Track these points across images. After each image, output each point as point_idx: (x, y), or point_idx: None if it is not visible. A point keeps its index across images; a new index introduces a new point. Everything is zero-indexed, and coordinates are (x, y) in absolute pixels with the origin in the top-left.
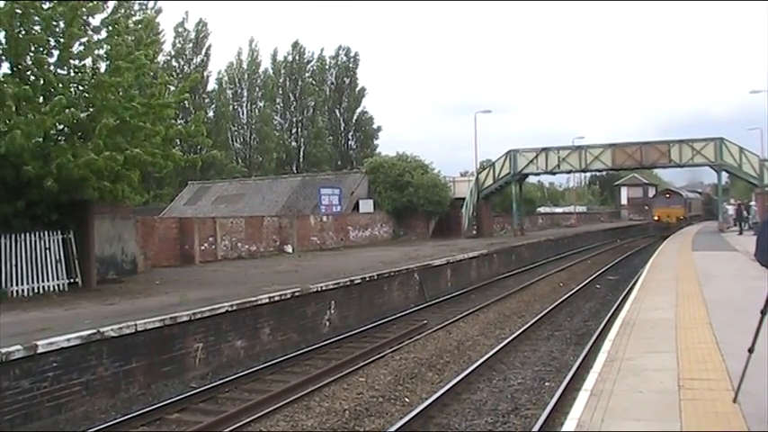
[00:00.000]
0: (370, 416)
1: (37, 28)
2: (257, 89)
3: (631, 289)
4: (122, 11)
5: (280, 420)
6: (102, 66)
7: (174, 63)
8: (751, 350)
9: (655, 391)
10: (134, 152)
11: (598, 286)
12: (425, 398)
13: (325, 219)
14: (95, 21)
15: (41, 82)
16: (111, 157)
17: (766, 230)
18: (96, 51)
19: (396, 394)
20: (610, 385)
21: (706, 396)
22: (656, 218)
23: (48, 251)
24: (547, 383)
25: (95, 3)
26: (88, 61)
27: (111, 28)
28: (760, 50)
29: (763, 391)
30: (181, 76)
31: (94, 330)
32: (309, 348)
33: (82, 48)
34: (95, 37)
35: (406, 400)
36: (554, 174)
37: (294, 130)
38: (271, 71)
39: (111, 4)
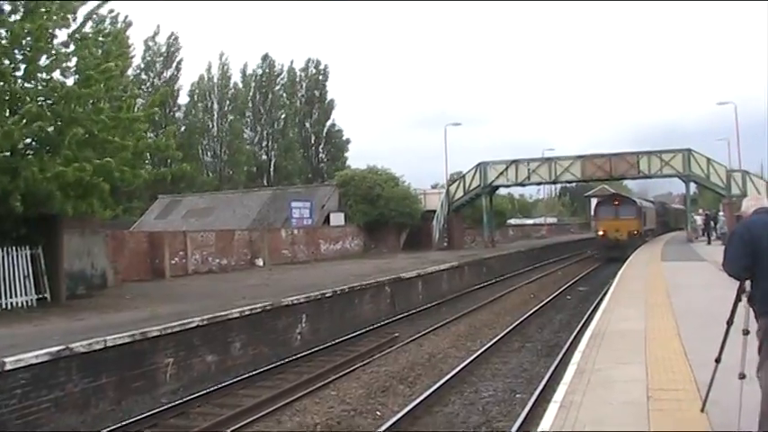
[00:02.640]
0: (342, 430)
1: (3, 42)
2: (228, 102)
3: (602, 300)
4: (90, 23)
5: None
6: (71, 79)
7: (144, 76)
8: (718, 360)
9: (624, 402)
10: (103, 161)
11: (569, 297)
12: (397, 411)
13: (296, 232)
14: (63, 34)
15: (7, 96)
16: (81, 167)
17: (734, 241)
18: (65, 64)
19: (367, 408)
20: (579, 397)
21: (674, 406)
22: (600, 232)
23: (16, 267)
24: (518, 395)
25: (62, 16)
26: (56, 74)
27: (79, 41)
28: (728, 62)
29: (730, 400)
30: (151, 89)
31: (64, 346)
32: (281, 362)
33: (49, 61)
34: (63, 50)
35: (378, 413)
36: (524, 186)
37: (265, 143)
38: (241, 84)
39: (79, 17)
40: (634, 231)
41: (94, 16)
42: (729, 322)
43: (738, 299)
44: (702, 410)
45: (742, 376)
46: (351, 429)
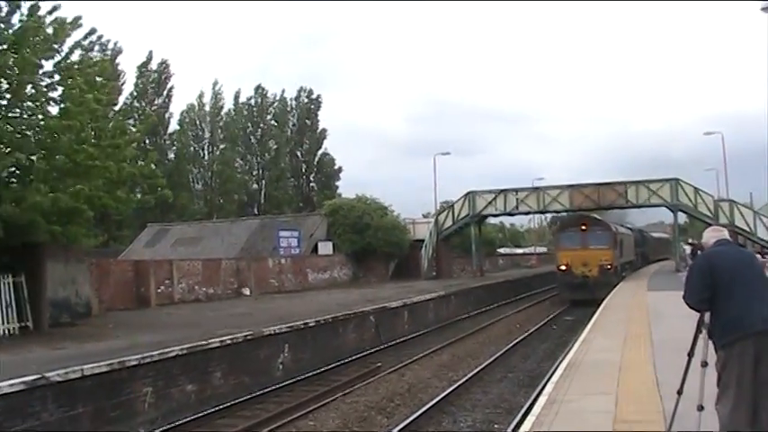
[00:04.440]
0: None
1: None
2: (219, 131)
3: None
4: (79, 51)
5: None
6: (55, 109)
7: (137, 103)
8: (680, 392)
9: None
10: (77, 189)
11: (554, 327)
12: None
13: (283, 261)
14: (48, 65)
15: None
16: (56, 198)
17: (694, 272)
18: (50, 94)
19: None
20: (546, 428)
21: None
22: (561, 267)
23: None
24: (496, 426)
25: (48, 47)
26: (40, 101)
27: (64, 71)
28: (716, 91)
29: (695, 429)
30: (142, 116)
31: (39, 375)
32: (262, 392)
33: (34, 90)
34: (47, 80)
35: None
36: (513, 215)
37: (256, 172)
38: (233, 113)
39: (65, 47)
40: (607, 265)
41: (81, 45)
42: (690, 354)
43: (699, 331)
44: None
45: (700, 408)
46: None
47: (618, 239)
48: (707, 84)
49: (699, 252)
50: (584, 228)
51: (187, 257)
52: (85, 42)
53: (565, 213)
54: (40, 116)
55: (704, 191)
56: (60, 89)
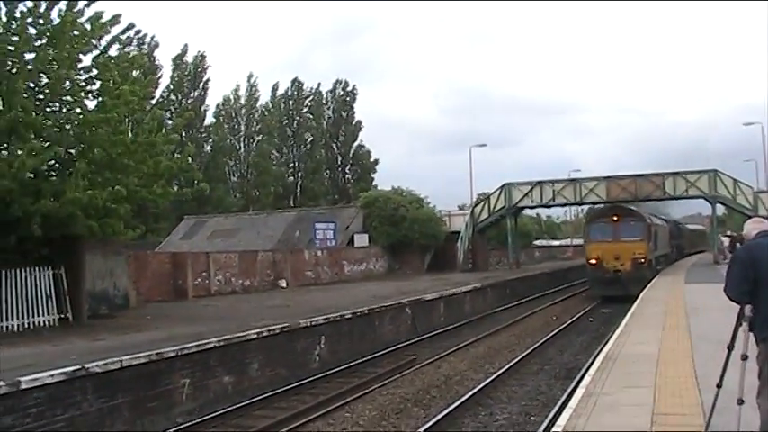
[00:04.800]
0: None
1: (28, 66)
2: (255, 123)
3: None
4: (115, 46)
5: None
6: (92, 103)
7: (173, 97)
8: (719, 386)
9: (626, 426)
10: (116, 190)
11: (591, 320)
12: None
13: (319, 253)
14: (87, 60)
15: (31, 119)
16: (94, 194)
17: (735, 265)
18: (88, 87)
19: (379, 430)
20: (583, 421)
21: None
22: (591, 261)
23: (38, 287)
24: (533, 418)
25: (87, 41)
26: (79, 95)
27: (102, 65)
28: (753, 83)
29: (732, 426)
30: (179, 109)
31: (79, 366)
32: (298, 383)
33: (72, 85)
34: (85, 75)
35: None
36: (549, 207)
37: (292, 165)
38: (270, 106)
39: (103, 42)
40: (640, 259)
41: (119, 40)
42: (730, 347)
43: (739, 323)
44: None
45: (740, 402)
46: None
47: (652, 231)
48: (745, 73)
49: (738, 244)
50: (615, 219)
51: (223, 250)
52: (123, 37)
53: (602, 205)
54: (78, 110)
55: (743, 182)
56: (98, 83)
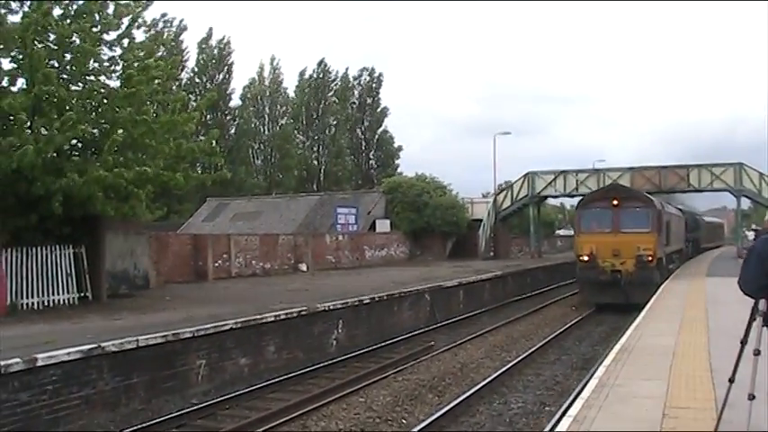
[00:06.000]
0: None
1: (51, 44)
2: (279, 106)
3: None
4: (136, 25)
5: None
6: (116, 82)
7: (198, 80)
8: (731, 380)
9: (637, 419)
10: (141, 170)
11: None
12: (422, 420)
13: (340, 238)
14: (111, 36)
15: (54, 98)
16: (119, 174)
17: (752, 258)
18: (112, 67)
19: (393, 415)
20: (594, 412)
21: (689, 425)
22: (583, 257)
23: (59, 265)
24: (547, 408)
25: (110, 20)
26: (102, 77)
27: (126, 44)
28: None
29: (744, 420)
30: (203, 92)
31: (95, 345)
32: (315, 367)
33: (96, 64)
34: (109, 53)
35: (403, 421)
36: (572, 197)
37: (315, 149)
38: (295, 89)
39: (126, 20)
40: (647, 256)
41: (140, 20)
42: (743, 342)
43: (753, 318)
44: (716, 431)
45: (751, 397)
46: None
47: (663, 221)
48: None
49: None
50: (615, 203)
51: (245, 232)
52: (149, 20)
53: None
54: (102, 90)
55: None
56: (122, 63)
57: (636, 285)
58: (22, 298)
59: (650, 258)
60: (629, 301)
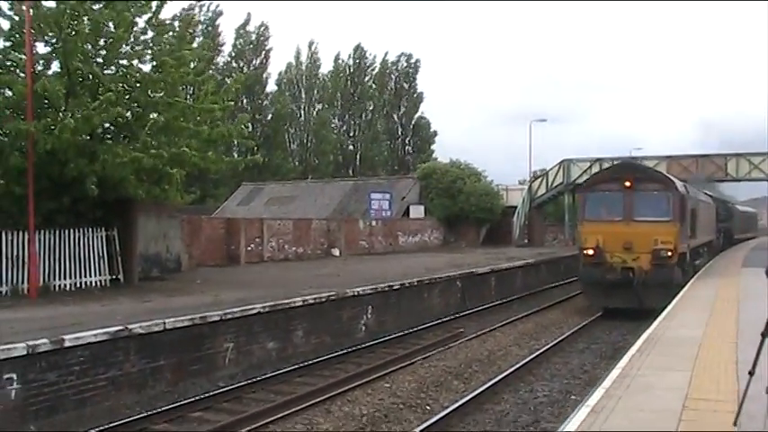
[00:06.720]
0: (388, 422)
1: (86, 29)
2: (316, 91)
3: None
4: (165, 9)
5: (298, 423)
6: (148, 66)
7: (234, 64)
8: (751, 372)
9: (656, 410)
10: (179, 150)
11: None
12: (447, 406)
13: (374, 223)
14: (142, 21)
15: (89, 80)
16: (157, 154)
17: None
18: (145, 51)
19: (417, 402)
20: (614, 402)
21: (708, 417)
22: (587, 250)
23: (91, 247)
24: (573, 397)
25: (143, 4)
26: (135, 61)
27: (157, 28)
28: None
29: (764, 413)
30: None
31: (122, 327)
32: (343, 352)
33: (129, 48)
34: (142, 38)
35: (428, 407)
36: None
37: (352, 134)
38: (330, 74)
39: (154, 4)
40: (667, 251)
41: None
42: (764, 334)
43: None
44: (735, 424)
45: None
46: (398, 421)
47: (687, 208)
48: None
49: None
50: (628, 184)
51: (279, 216)
52: (185, 4)
53: None
54: (136, 74)
55: None
56: (155, 48)
57: (652, 287)
58: (54, 279)
59: (670, 254)
60: (642, 306)
